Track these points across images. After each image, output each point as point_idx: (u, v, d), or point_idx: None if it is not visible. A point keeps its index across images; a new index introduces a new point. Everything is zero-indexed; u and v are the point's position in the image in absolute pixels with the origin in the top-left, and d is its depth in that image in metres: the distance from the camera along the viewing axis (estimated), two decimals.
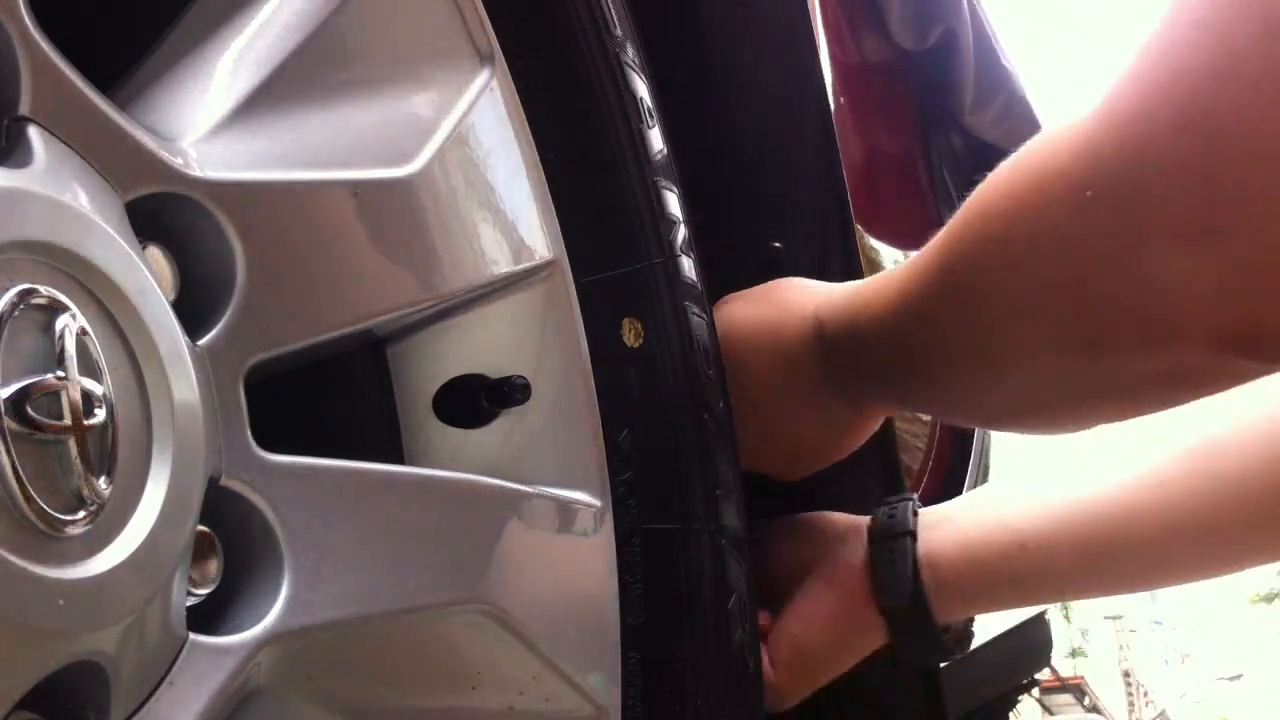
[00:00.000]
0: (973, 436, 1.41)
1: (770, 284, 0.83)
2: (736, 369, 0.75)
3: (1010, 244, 0.61)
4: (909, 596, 0.80)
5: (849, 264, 0.94)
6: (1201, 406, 0.75)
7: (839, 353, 0.76)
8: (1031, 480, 0.85)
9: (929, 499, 1.27)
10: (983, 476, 1.42)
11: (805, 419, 0.80)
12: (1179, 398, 0.64)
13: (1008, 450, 1.52)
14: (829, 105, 0.92)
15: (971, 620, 0.89)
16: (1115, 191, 0.54)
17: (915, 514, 0.83)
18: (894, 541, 0.82)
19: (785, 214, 0.89)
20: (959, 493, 1.34)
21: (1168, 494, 0.77)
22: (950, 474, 1.34)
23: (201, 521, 0.46)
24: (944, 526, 0.82)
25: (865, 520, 0.85)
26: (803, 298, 0.80)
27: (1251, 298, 0.52)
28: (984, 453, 1.44)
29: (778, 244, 0.88)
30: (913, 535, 0.81)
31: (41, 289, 0.40)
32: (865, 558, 0.82)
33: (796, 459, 0.83)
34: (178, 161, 0.47)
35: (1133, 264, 0.55)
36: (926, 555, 0.81)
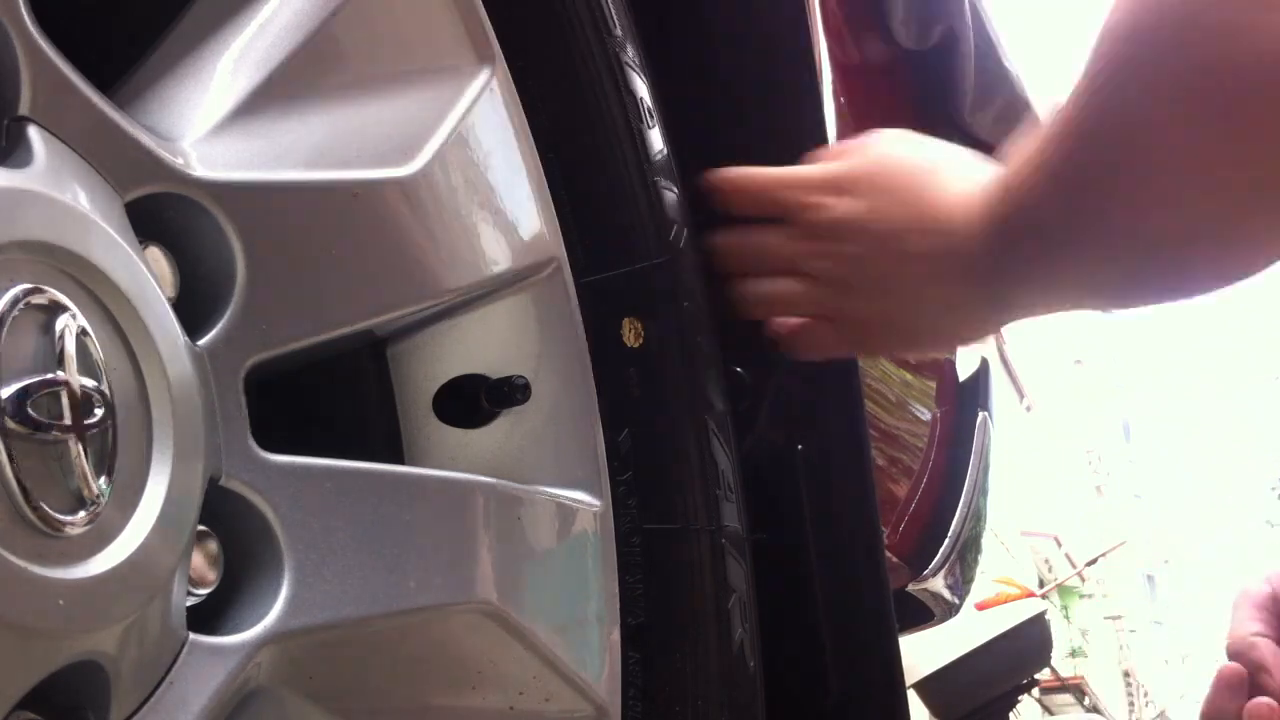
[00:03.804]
0: (973, 437, 1.41)
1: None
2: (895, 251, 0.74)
3: (1157, 30, 0.60)
4: None
5: None
6: None
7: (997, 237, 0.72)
8: None
9: (929, 499, 1.27)
10: (983, 477, 1.42)
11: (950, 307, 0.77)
12: None
13: (1008, 450, 1.52)
14: (823, 103, 0.92)
15: None
16: None
17: None
18: None
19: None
20: (959, 494, 1.34)
21: None
22: (950, 474, 1.34)
23: (201, 521, 0.46)
24: None
25: None
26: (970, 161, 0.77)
27: None
28: (984, 453, 1.44)
29: None
30: None
31: (41, 289, 0.40)
32: None
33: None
34: (178, 161, 0.47)
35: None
36: None
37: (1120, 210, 0.65)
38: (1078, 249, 0.69)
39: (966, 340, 0.81)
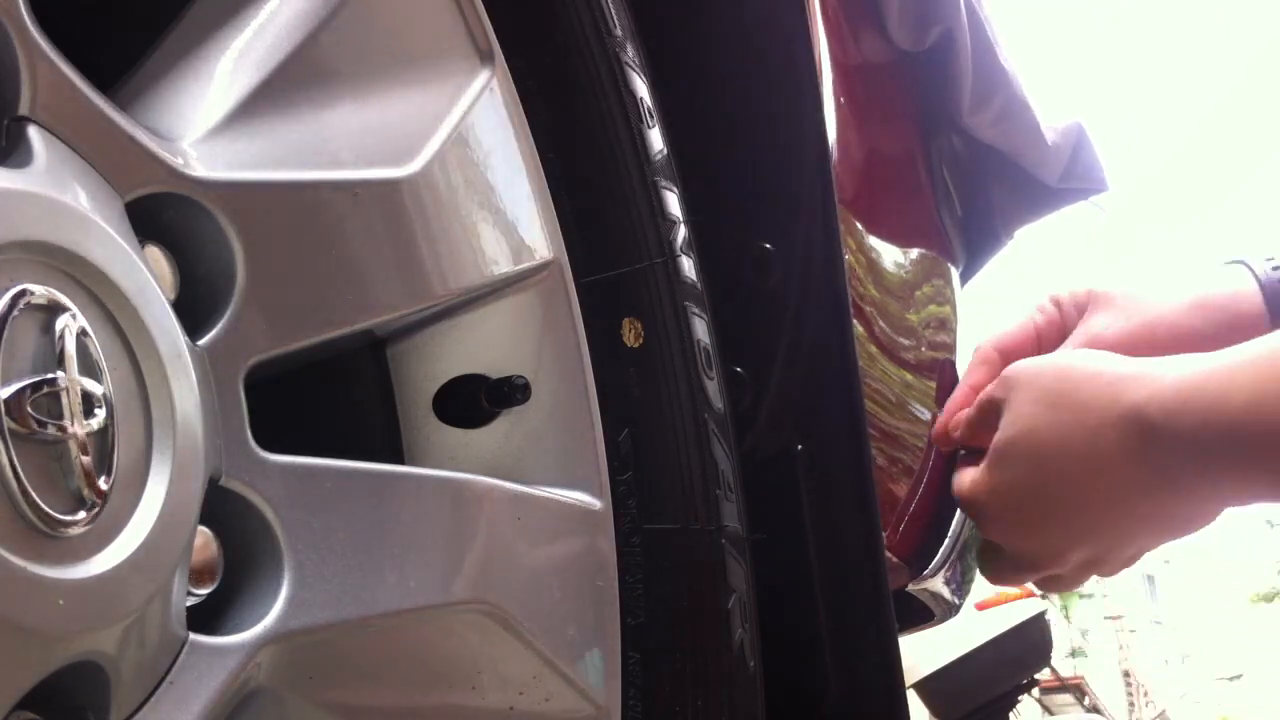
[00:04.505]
0: None
1: (1057, 380, 0.80)
2: (1052, 482, 0.75)
3: None
4: None
5: (832, 269, 0.93)
6: None
7: (1180, 446, 0.74)
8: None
9: (929, 499, 1.27)
10: None
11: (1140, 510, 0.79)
12: None
13: None
14: (823, 103, 0.92)
15: None
16: None
17: None
18: None
19: (775, 214, 0.89)
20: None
21: None
22: (950, 475, 1.34)
23: (201, 521, 0.46)
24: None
25: None
26: (1107, 397, 0.77)
27: None
28: None
29: (767, 244, 0.88)
30: None
31: (41, 289, 0.40)
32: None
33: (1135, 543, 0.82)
34: (177, 161, 0.47)
35: None
36: None
37: None
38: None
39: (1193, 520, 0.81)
